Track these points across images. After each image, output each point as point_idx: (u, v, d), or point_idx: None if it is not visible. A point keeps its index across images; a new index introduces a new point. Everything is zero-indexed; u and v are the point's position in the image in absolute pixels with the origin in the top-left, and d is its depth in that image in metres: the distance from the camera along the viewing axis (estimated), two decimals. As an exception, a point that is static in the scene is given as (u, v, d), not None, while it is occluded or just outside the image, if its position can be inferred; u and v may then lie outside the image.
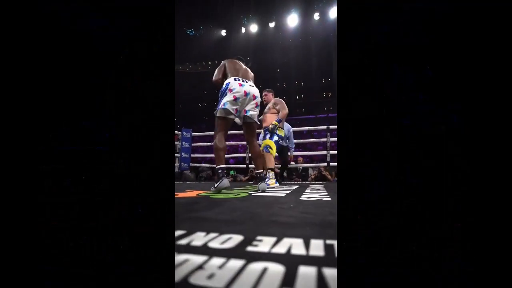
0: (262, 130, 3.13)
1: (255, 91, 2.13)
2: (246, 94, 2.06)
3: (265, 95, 3.17)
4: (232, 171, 5.28)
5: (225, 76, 2.22)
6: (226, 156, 5.06)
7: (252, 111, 2.16)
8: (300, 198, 1.40)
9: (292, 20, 12.37)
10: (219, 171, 1.90)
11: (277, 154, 3.11)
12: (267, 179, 2.69)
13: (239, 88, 2.02)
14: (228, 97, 1.99)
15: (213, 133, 2.11)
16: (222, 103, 1.99)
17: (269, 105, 3.06)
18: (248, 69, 2.34)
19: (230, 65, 2.22)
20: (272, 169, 2.77)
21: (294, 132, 3.86)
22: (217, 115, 1.98)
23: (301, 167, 4.79)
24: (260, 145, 2.85)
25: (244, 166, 4.64)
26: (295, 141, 4.48)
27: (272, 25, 12.80)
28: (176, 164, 4.37)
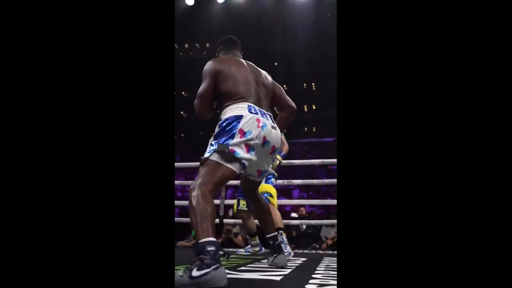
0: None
1: (276, 137, 1.84)
2: (264, 142, 1.77)
3: None
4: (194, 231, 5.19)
5: (218, 97, 1.87)
6: (179, 202, 4.88)
7: (269, 172, 2.01)
8: (307, 287, 1.34)
9: (301, -13, 12.86)
10: (210, 249, 1.37)
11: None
12: (286, 251, 2.55)
13: (257, 132, 1.71)
14: (238, 144, 1.67)
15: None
16: (229, 145, 1.66)
17: None
18: (259, 69, 2.05)
19: (231, 72, 1.85)
20: (283, 229, 2.78)
21: (298, 166, 3.82)
22: (213, 158, 1.66)
23: (304, 225, 4.64)
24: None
25: (217, 221, 4.53)
26: (298, 181, 4.49)
27: (268, -8, 13.20)
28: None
